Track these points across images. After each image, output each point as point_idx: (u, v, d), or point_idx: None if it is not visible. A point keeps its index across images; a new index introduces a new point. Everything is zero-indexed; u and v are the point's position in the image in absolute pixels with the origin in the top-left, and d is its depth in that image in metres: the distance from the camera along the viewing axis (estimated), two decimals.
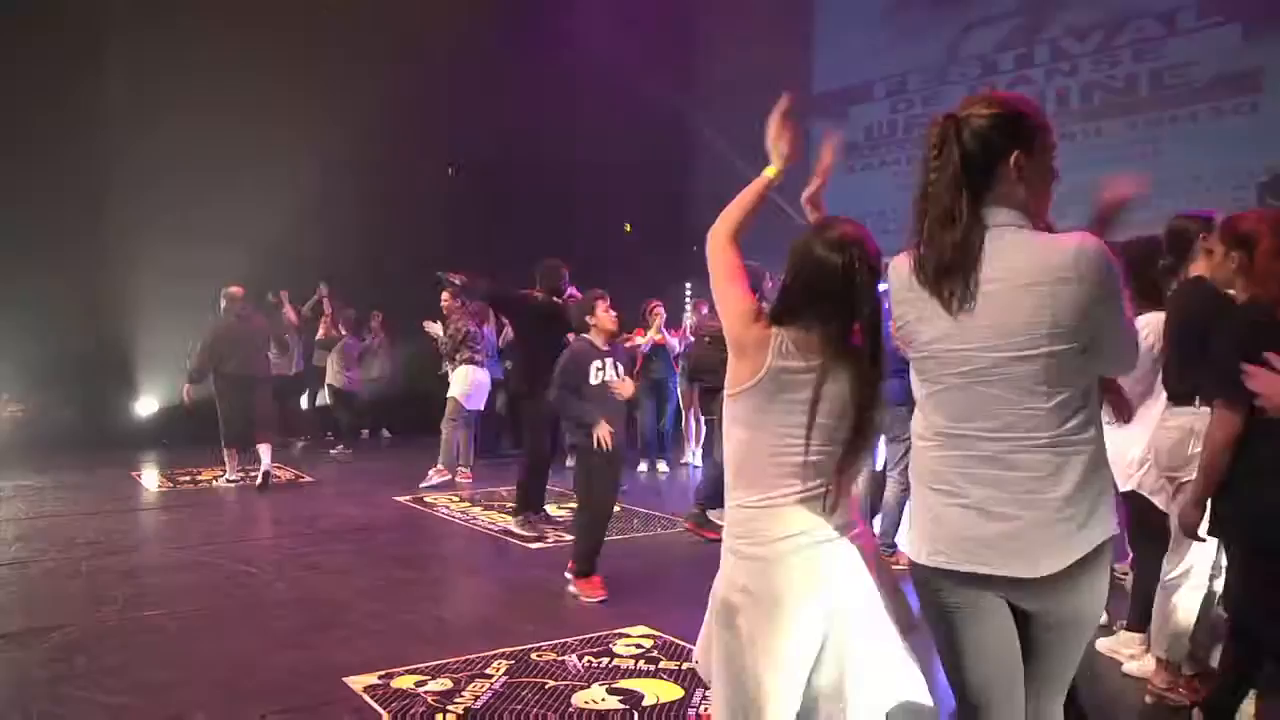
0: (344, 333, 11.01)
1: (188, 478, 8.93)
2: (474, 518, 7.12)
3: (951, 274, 1.85)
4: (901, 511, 5.40)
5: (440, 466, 8.46)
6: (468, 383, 8.50)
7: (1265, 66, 8.77)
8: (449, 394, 8.54)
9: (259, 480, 8.27)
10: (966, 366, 1.87)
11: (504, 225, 11.69)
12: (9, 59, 9.89)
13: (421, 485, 8.31)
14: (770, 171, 2.25)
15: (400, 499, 7.83)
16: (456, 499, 7.86)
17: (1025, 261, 1.81)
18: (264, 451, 8.50)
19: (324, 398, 11.43)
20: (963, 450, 1.89)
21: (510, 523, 6.61)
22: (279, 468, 9.46)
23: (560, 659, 4.05)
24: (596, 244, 11.14)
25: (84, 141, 10.39)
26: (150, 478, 9.09)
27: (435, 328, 8.75)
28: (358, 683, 3.76)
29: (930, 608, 2.01)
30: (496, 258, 10.77)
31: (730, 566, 2.14)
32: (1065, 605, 1.90)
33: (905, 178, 11.88)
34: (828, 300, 2.07)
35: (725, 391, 2.16)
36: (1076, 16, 10.35)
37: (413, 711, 3.49)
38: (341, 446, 10.91)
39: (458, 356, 8.52)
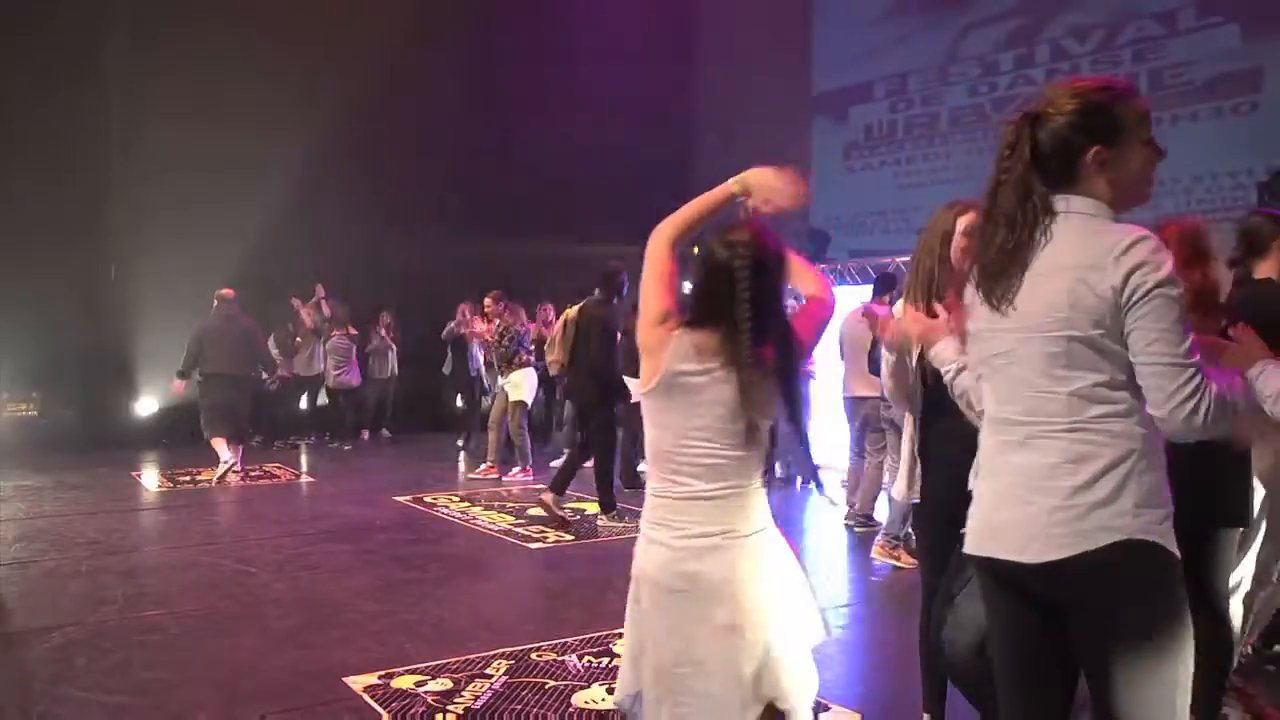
0: (336, 331, 11.06)
1: (188, 478, 8.93)
2: (474, 518, 7.12)
3: (997, 276, 1.85)
4: (906, 506, 5.37)
5: (527, 466, 8.78)
6: (529, 384, 8.66)
7: (1265, 66, 8.76)
8: (513, 398, 8.61)
9: (223, 475, 8.48)
10: (1000, 348, 1.88)
11: (505, 223, 11.69)
12: (8, 60, 9.89)
13: (504, 478, 8.73)
14: (735, 187, 2.24)
15: (400, 499, 7.83)
16: (457, 499, 7.86)
17: (1071, 248, 1.79)
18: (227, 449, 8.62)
19: (324, 397, 11.53)
20: (998, 435, 1.90)
21: (602, 518, 6.86)
22: (278, 467, 9.51)
23: (560, 659, 4.05)
24: (595, 243, 11.11)
25: (83, 141, 10.39)
26: (150, 478, 9.09)
27: (482, 327, 8.93)
28: (358, 683, 3.76)
29: (981, 592, 2.03)
30: (498, 255, 10.86)
31: (641, 549, 2.22)
32: (1088, 606, 1.79)
33: (905, 178, 11.91)
34: (715, 300, 2.11)
35: (639, 390, 2.24)
36: (1076, 16, 10.34)
37: (413, 711, 3.49)
38: (328, 440, 11.18)
39: (514, 360, 8.60)
